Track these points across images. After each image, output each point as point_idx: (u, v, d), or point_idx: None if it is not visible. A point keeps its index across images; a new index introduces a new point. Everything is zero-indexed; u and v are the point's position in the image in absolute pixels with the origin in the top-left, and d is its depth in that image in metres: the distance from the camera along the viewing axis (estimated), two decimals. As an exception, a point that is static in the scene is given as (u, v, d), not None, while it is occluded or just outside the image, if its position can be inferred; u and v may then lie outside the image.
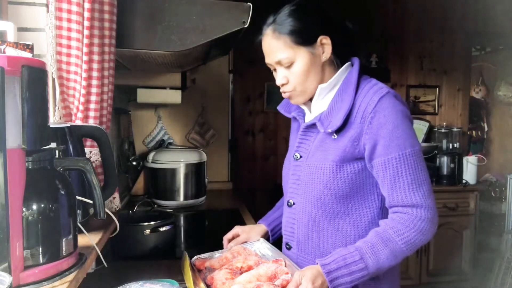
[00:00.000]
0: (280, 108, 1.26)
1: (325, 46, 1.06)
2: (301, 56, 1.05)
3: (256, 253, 1.17)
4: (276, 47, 1.05)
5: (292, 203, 1.14)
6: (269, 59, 1.09)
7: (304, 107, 1.16)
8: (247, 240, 1.26)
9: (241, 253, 1.15)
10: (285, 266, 1.04)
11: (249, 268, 1.05)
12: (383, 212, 1.06)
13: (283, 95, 1.12)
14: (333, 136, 1.05)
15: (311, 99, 1.13)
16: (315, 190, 1.06)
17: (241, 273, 1.03)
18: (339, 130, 1.03)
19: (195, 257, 1.19)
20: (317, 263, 0.96)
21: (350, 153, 1.02)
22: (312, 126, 1.11)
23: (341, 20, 1.11)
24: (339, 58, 1.10)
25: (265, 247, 1.20)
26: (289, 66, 1.06)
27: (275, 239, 1.30)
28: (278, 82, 1.10)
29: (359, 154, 1.02)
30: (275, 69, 1.11)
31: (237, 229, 1.28)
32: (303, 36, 1.04)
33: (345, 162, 1.03)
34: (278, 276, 0.99)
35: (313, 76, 1.07)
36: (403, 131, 0.99)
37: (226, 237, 1.28)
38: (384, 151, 0.99)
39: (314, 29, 1.05)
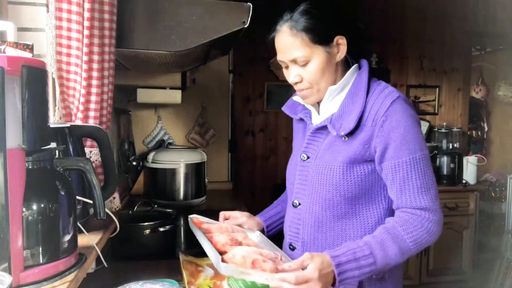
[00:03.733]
0: (285, 109, 1.24)
1: (340, 46, 1.05)
2: (317, 55, 1.03)
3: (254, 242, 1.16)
4: (293, 44, 1.03)
5: (298, 203, 1.13)
6: (284, 57, 1.07)
7: (311, 108, 1.15)
8: (243, 225, 1.24)
9: (240, 231, 1.14)
10: (281, 260, 1.02)
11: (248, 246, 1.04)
12: (390, 214, 1.07)
13: (299, 93, 1.10)
14: (343, 139, 1.05)
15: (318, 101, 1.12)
16: (324, 191, 1.06)
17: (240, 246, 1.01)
18: (349, 133, 1.03)
19: (193, 215, 1.17)
20: (325, 254, 0.94)
21: (360, 155, 1.03)
22: (322, 128, 1.10)
23: (354, 20, 1.11)
24: (352, 59, 1.10)
25: (261, 241, 1.18)
26: (304, 64, 1.04)
27: (269, 236, 1.30)
28: (292, 80, 1.08)
29: (369, 156, 1.03)
30: (287, 67, 1.09)
31: (237, 213, 1.26)
32: (321, 35, 1.03)
33: (355, 164, 1.03)
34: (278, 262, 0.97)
35: (328, 75, 1.06)
36: (414, 135, 1.00)
37: (224, 213, 1.26)
38: (394, 154, 0.99)
39: (332, 28, 1.04)
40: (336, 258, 0.93)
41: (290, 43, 1.04)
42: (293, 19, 1.03)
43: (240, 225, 1.24)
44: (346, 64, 1.10)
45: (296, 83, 1.08)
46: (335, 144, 1.07)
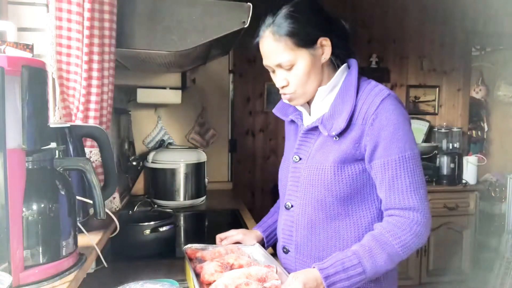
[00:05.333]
0: (276, 111, 1.23)
1: (325, 47, 1.04)
2: (302, 58, 1.03)
3: (249, 256, 1.16)
4: (277, 49, 1.03)
5: (290, 205, 1.12)
6: (269, 61, 1.06)
7: (302, 109, 1.15)
8: (241, 242, 1.25)
9: (234, 251, 1.15)
10: (276, 273, 1.02)
11: (240, 267, 1.05)
12: (383, 213, 1.06)
13: (284, 97, 1.10)
14: (334, 138, 1.04)
15: (308, 101, 1.12)
16: (316, 192, 1.06)
17: (231, 269, 1.03)
18: (340, 132, 1.03)
19: (188, 245, 1.19)
20: (313, 268, 0.95)
21: (351, 154, 1.02)
22: (313, 128, 1.10)
23: (338, 21, 1.10)
24: (337, 59, 1.09)
25: (259, 253, 1.19)
26: (289, 68, 1.04)
27: (270, 245, 1.30)
28: (278, 84, 1.08)
29: (360, 155, 1.02)
30: (273, 71, 1.09)
31: (232, 231, 1.28)
32: (304, 38, 1.02)
33: (345, 163, 1.03)
34: (268, 280, 0.97)
35: (314, 77, 1.05)
36: (404, 134, 0.99)
37: (219, 236, 1.28)
38: (384, 152, 0.99)
39: (314, 31, 1.03)
40: (324, 270, 0.93)
41: (274, 48, 1.03)
42: (275, 23, 1.02)
43: (238, 242, 1.24)
44: (333, 64, 1.10)
45: (283, 87, 1.08)
46: (326, 144, 1.06)
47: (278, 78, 1.07)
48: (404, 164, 0.98)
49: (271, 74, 1.11)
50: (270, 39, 1.04)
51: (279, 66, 1.05)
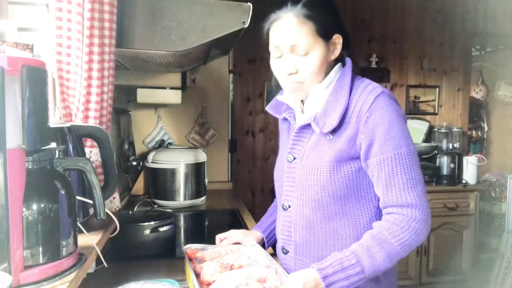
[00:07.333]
0: (269, 108, 1.22)
1: (337, 44, 1.05)
2: (318, 47, 1.02)
3: (249, 256, 1.16)
4: (298, 30, 1.00)
5: (288, 206, 1.12)
6: (284, 42, 1.02)
7: (295, 107, 1.14)
8: (241, 242, 1.25)
9: (234, 252, 1.15)
10: (276, 273, 1.02)
11: (240, 267, 1.05)
12: (381, 212, 1.05)
13: (290, 85, 1.06)
14: (328, 137, 1.04)
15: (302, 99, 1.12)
16: (312, 192, 1.05)
17: (231, 270, 1.03)
18: (334, 131, 1.02)
19: (188, 245, 1.19)
20: (312, 268, 0.95)
21: (346, 153, 1.02)
22: (306, 127, 1.09)
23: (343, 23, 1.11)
24: (343, 58, 1.10)
25: (258, 253, 1.19)
26: (304, 54, 1.02)
27: (271, 245, 1.30)
28: (286, 70, 1.04)
29: (355, 153, 1.02)
30: (281, 56, 1.05)
31: (232, 232, 1.28)
32: (326, 28, 1.02)
33: (341, 162, 1.02)
34: (267, 281, 0.97)
35: (321, 71, 1.05)
36: (399, 131, 0.99)
37: (219, 236, 1.28)
38: (379, 150, 0.98)
39: (334, 25, 1.05)
40: (323, 270, 0.92)
41: (295, 29, 1.01)
42: (300, 7, 1.01)
43: (237, 243, 1.24)
44: (331, 65, 1.10)
45: (291, 74, 1.05)
46: (320, 143, 1.05)
47: (288, 64, 1.04)
48: (400, 161, 0.98)
49: (275, 61, 1.07)
50: (292, 21, 1.01)
51: (293, 49, 1.02)
